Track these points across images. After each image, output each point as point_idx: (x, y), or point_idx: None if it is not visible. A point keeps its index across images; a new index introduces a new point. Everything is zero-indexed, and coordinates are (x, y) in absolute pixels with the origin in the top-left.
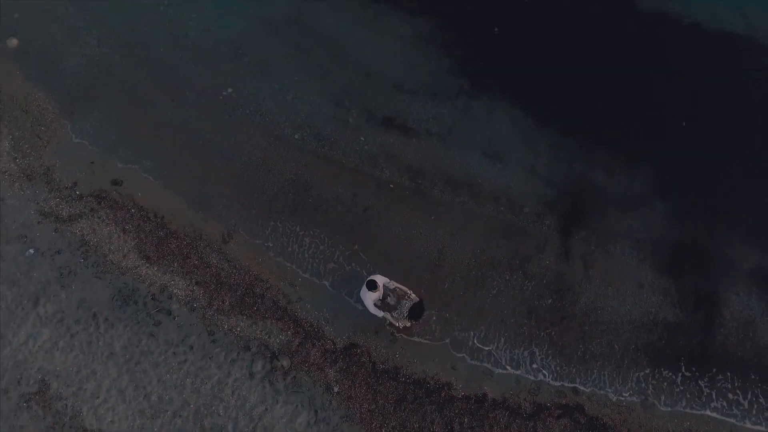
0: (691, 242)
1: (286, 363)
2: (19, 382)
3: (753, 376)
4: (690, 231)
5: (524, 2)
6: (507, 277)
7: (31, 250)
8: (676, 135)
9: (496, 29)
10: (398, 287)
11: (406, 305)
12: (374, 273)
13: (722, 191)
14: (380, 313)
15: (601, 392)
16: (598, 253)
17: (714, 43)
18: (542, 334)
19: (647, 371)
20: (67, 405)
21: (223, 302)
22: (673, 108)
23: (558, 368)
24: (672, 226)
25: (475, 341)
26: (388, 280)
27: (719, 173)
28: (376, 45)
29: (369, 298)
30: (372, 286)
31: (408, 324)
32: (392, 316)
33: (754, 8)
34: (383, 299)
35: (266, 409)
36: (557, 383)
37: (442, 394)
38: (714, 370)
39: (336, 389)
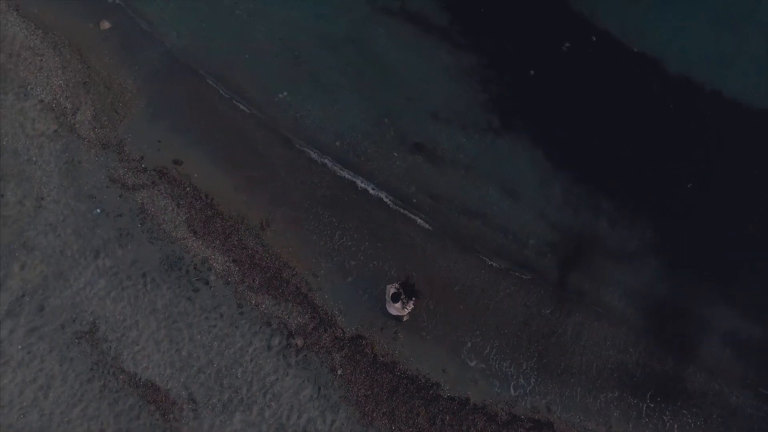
0: (674, 298)
1: (300, 342)
2: (74, 320)
3: (714, 416)
4: (675, 288)
5: (562, 51)
6: (505, 301)
7: (98, 210)
8: (681, 195)
9: (532, 72)
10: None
11: (390, 291)
12: (392, 281)
13: (713, 256)
14: (395, 312)
15: (571, 414)
16: (590, 294)
17: (732, 113)
18: (531, 349)
19: (616, 394)
20: (111, 347)
21: (253, 281)
22: (683, 169)
23: (538, 381)
24: (660, 282)
25: (467, 351)
26: (398, 286)
27: (714, 239)
28: (421, 73)
29: (392, 307)
30: (396, 298)
31: (405, 314)
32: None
33: None
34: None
35: (277, 378)
36: (533, 397)
37: (430, 392)
38: (678, 403)
39: (339, 372)
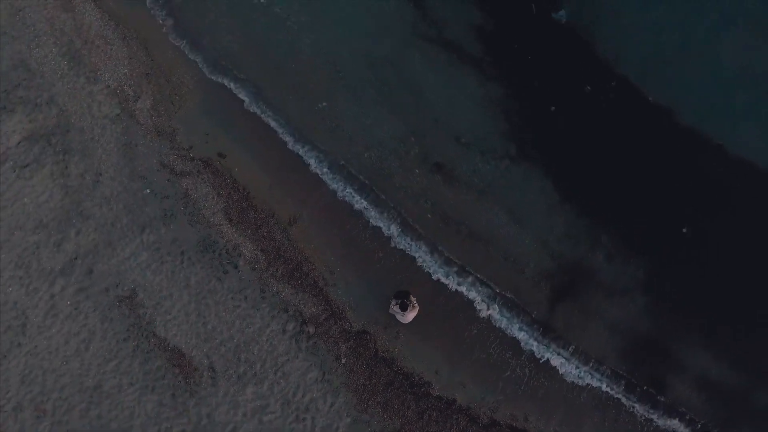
0: (655, 336)
1: (311, 330)
2: (116, 285)
3: None
4: (658, 327)
5: (584, 92)
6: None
7: (148, 190)
8: (676, 239)
9: (553, 108)
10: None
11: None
12: (399, 289)
13: (698, 300)
14: (398, 314)
15: (547, 426)
16: (576, 323)
17: (734, 169)
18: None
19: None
20: (146, 313)
21: (276, 270)
22: (681, 215)
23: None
24: (644, 319)
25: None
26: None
27: (701, 284)
28: (449, 97)
29: (398, 314)
30: (404, 307)
31: (395, 312)
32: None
33: None
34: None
35: (288, 359)
36: (514, 405)
37: (422, 389)
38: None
39: (343, 361)
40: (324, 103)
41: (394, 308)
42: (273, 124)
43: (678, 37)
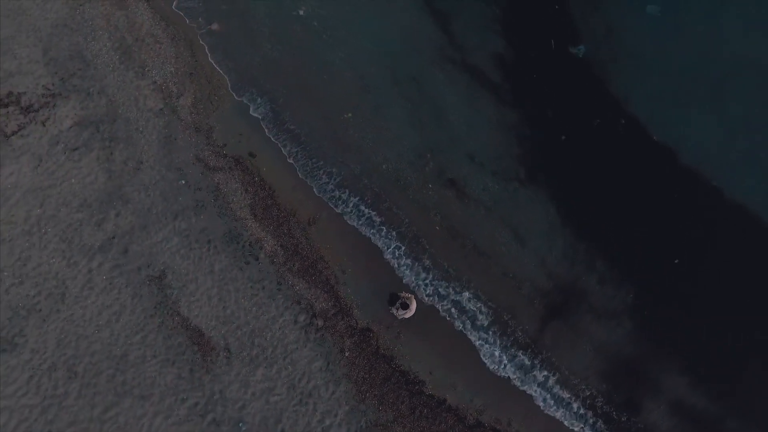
0: (637, 359)
1: (320, 323)
2: (148, 266)
3: None
4: (641, 351)
5: (593, 125)
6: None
7: (183, 181)
8: (667, 269)
9: (563, 137)
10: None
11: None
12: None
13: (684, 330)
14: (400, 314)
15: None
16: (564, 341)
17: (728, 209)
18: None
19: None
20: (173, 293)
21: (293, 265)
22: (674, 247)
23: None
24: (630, 342)
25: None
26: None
27: (687, 314)
28: (467, 118)
29: (397, 312)
30: (405, 306)
31: (401, 315)
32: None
33: None
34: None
35: (297, 348)
36: (499, 410)
37: (416, 387)
38: None
39: (346, 354)
40: (349, 114)
41: (399, 311)
42: (301, 132)
43: (688, 82)
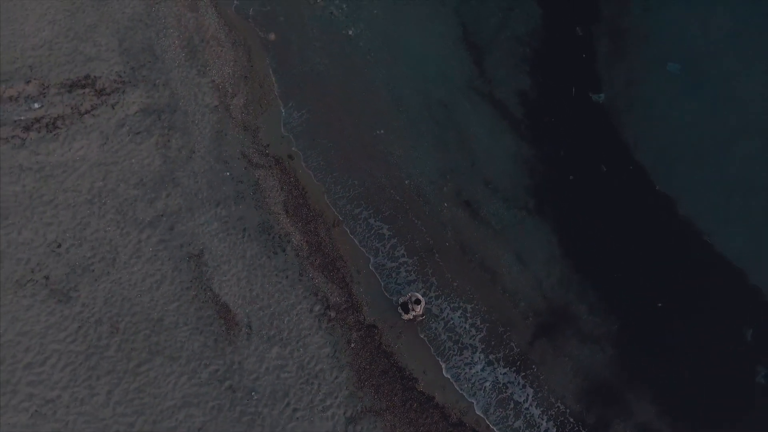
0: (613, 383)
1: (332, 314)
2: (189, 244)
3: None
4: (617, 376)
5: (601, 169)
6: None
7: (227, 173)
8: (650, 310)
9: (571, 177)
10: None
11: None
12: (411, 292)
13: (659, 365)
14: (404, 316)
15: None
16: (549, 358)
17: (715, 262)
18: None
19: None
20: (208, 271)
21: (315, 260)
22: (661, 291)
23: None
24: (608, 366)
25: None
26: (412, 296)
27: (664, 351)
28: (487, 146)
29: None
30: (406, 309)
31: (407, 317)
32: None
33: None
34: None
35: (309, 334)
36: (476, 416)
37: (409, 383)
38: None
39: (352, 345)
40: (381, 131)
41: (411, 313)
42: (334, 142)
43: (696, 139)
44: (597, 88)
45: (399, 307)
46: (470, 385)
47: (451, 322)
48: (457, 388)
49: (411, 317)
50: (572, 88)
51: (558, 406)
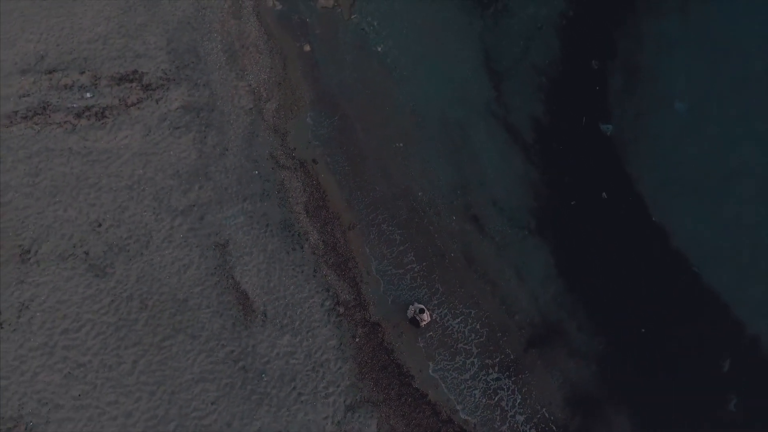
0: (596, 396)
1: (341, 310)
2: (216, 234)
3: None
4: (600, 390)
5: (602, 197)
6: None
7: (256, 172)
8: (634, 335)
9: (573, 202)
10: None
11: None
12: (416, 303)
13: (640, 385)
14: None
15: None
16: (538, 367)
17: (703, 295)
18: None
19: None
20: (231, 260)
21: (329, 259)
22: (645, 318)
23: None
24: (592, 381)
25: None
26: (415, 308)
27: (645, 373)
28: (497, 167)
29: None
30: (416, 323)
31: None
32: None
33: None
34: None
35: (319, 326)
36: (469, 414)
37: (405, 379)
38: None
39: (356, 340)
40: (401, 144)
41: (423, 322)
42: (356, 151)
43: (695, 176)
44: (606, 119)
45: (409, 322)
46: (458, 390)
47: (450, 328)
48: (445, 390)
49: (423, 325)
50: (583, 118)
51: (543, 413)
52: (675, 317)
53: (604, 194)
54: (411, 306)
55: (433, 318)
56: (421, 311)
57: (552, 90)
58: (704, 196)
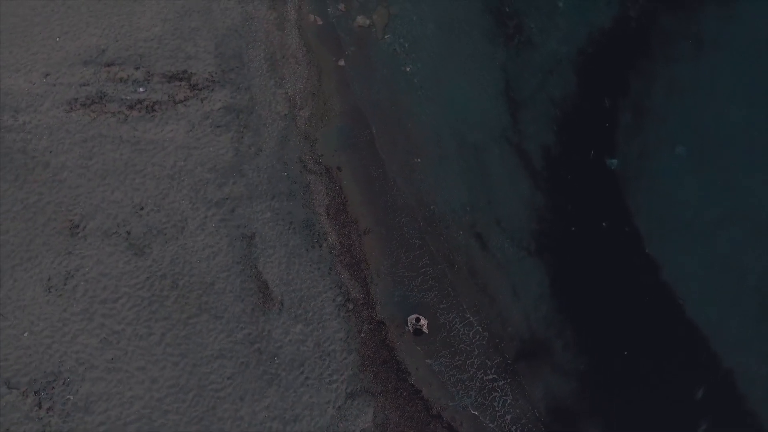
0: (573, 411)
1: (350, 306)
2: (245, 226)
3: None
4: (578, 405)
5: (601, 225)
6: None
7: (285, 173)
8: (616, 357)
9: (573, 228)
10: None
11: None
12: (416, 313)
13: (616, 404)
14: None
15: None
16: (525, 378)
17: (686, 326)
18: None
19: None
20: (255, 251)
21: (344, 259)
22: (629, 343)
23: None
24: (575, 394)
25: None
26: (416, 320)
27: (623, 393)
28: (506, 189)
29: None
30: (418, 333)
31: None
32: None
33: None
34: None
35: (329, 318)
36: (459, 411)
37: (403, 375)
38: None
39: (362, 335)
40: (419, 159)
41: (424, 329)
42: (374, 163)
43: (690, 214)
44: (612, 154)
45: (413, 334)
46: (455, 389)
47: (454, 331)
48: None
49: (426, 330)
50: (591, 151)
51: (534, 413)
52: (657, 344)
53: (604, 224)
54: (408, 319)
55: (439, 322)
56: (417, 320)
57: (564, 122)
58: (696, 235)
